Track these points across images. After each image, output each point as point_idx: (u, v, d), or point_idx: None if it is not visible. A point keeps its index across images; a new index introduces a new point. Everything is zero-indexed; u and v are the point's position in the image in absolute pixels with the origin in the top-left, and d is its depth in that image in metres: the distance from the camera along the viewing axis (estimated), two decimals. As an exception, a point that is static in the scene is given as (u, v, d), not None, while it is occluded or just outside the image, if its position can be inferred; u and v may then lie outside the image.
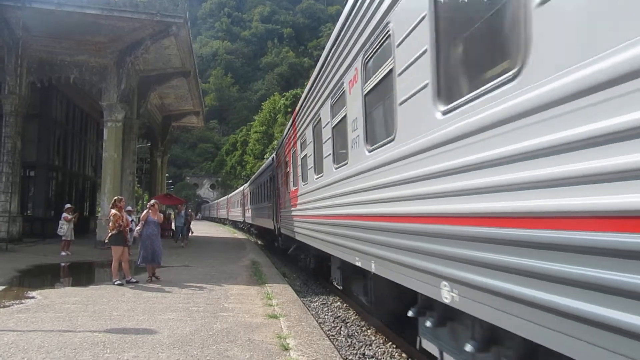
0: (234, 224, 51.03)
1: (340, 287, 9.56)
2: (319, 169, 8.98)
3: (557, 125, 2.29)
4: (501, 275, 2.79)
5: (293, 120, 12.64)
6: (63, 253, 16.61)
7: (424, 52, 3.88)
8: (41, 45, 19.85)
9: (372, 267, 5.57)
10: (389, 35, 4.81)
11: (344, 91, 6.80)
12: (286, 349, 5.69)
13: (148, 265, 11.31)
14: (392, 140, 4.75)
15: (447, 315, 4.21)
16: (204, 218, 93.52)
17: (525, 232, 2.56)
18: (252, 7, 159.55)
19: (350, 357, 6.81)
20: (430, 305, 4.55)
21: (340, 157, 7.27)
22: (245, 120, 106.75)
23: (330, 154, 7.91)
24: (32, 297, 9.05)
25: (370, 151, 5.55)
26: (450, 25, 3.69)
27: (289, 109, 59.41)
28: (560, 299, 2.30)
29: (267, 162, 23.81)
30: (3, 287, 10.15)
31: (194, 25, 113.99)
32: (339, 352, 5.99)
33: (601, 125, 2.05)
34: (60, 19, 17.84)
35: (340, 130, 7.28)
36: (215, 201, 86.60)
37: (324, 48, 8.45)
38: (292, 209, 13.03)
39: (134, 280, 10.87)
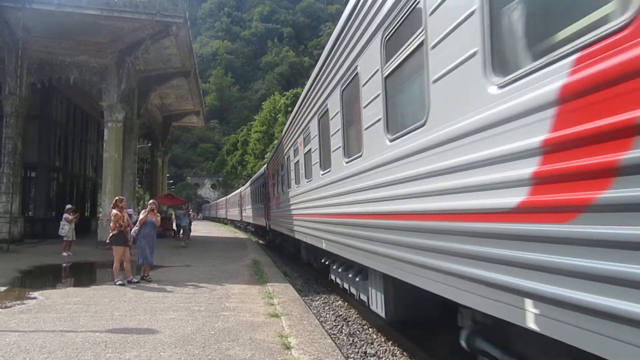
0: (234, 224, 52.45)
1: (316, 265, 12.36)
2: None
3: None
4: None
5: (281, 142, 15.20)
6: (64, 254, 16.62)
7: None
8: (41, 45, 19.87)
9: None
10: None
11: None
12: (288, 347, 5.69)
13: (142, 265, 11.37)
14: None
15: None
16: (205, 218, 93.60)
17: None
18: (252, 6, 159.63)
19: (351, 356, 6.81)
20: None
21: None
22: (246, 120, 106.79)
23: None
24: (34, 298, 9.06)
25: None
26: None
27: (290, 109, 59.40)
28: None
29: (260, 171, 28.14)
30: (5, 288, 10.17)
31: (194, 25, 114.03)
32: (340, 350, 5.99)
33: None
34: (60, 19, 17.85)
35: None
36: (215, 201, 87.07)
37: (324, 47, 8.43)
38: (277, 210, 17.28)
39: (136, 280, 10.88)
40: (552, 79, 2.50)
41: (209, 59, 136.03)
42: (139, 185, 45.13)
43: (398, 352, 6.95)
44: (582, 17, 2.46)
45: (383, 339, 7.62)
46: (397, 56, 4.74)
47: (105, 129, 20.99)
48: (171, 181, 78.00)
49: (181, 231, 22.41)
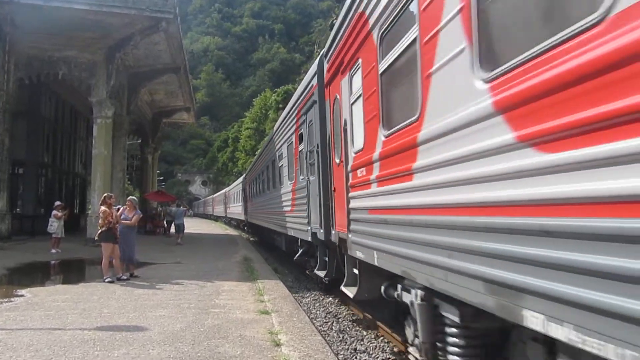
0: (223, 220, 54.98)
1: (284, 249, 16.24)
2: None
3: None
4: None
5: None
6: (53, 251, 16.50)
7: None
8: (29, 41, 19.62)
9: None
10: None
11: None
12: (277, 344, 5.68)
13: (124, 264, 11.25)
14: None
15: None
16: (195, 215, 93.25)
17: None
18: (243, 2, 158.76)
19: (342, 353, 6.82)
20: None
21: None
22: (237, 117, 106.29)
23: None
24: (22, 295, 8.98)
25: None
26: None
27: (280, 105, 59.27)
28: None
29: (240, 179, 35.71)
30: (-8, 286, 10.07)
31: (184, 21, 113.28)
32: (330, 347, 6.00)
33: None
34: (49, 14, 17.63)
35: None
36: (205, 199, 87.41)
37: (315, 44, 8.43)
38: (252, 208, 25.61)
39: (125, 277, 10.82)
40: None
41: (199, 55, 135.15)
42: (129, 182, 44.93)
43: (388, 348, 6.97)
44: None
45: (373, 336, 7.64)
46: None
47: (94, 125, 20.82)
48: (161, 178, 77.48)
49: (176, 229, 22.18)
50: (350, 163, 6.63)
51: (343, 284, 7.65)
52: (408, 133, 4.39)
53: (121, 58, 20.85)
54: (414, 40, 4.21)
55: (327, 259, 9.38)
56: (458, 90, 3.44)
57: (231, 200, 41.15)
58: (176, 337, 5.98)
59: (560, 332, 2.38)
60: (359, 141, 6.21)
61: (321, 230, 8.81)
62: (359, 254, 6.37)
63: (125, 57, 21.35)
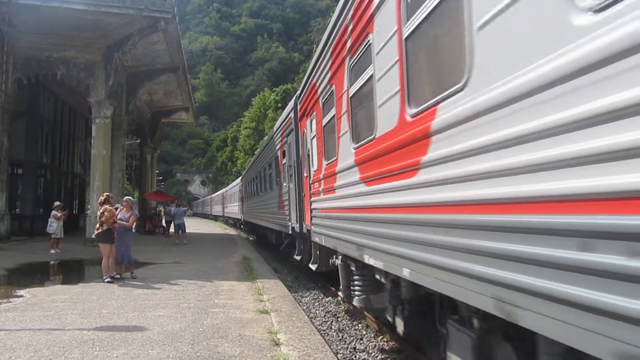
0: (222, 220, 56.09)
1: (273, 241, 19.22)
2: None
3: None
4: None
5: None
6: (52, 251, 16.49)
7: None
8: (27, 41, 19.58)
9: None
10: None
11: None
12: (277, 344, 5.68)
13: (117, 264, 11.23)
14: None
15: None
16: (194, 214, 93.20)
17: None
18: (241, 2, 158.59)
19: (341, 352, 6.83)
20: None
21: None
22: (236, 116, 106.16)
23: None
24: (21, 296, 8.98)
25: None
26: None
27: (279, 105, 59.26)
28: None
29: (237, 181, 38.18)
30: (-9, 286, 10.06)
31: (183, 20, 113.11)
32: (329, 346, 6.00)
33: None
34: (47, 14, 17.59)
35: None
36: (204, 198, 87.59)
37: (313, 43, 8.74)
38: (246, 207, 28.86)
39: (118, 276, 10.80)
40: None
41: (198, 55, 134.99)
42: (128, 182, 44.91)
43: (387, 347, 6.98)
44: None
45: (372, 335, 7.65)
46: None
47: (93, 126, 20.77)
48: (161, 178, 77.40)
49: (179, 230, 22.10)
50: (311, 178, 9.31)
51: (310, 262, 10.34)
52: (333, 165, 6.96)
53: (120, 58, 20.81)
54: (333, 116, 6.85)
55: (302, 246, 11.99)
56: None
57: (228, 200, 44.71)
58: (175, 337, 5.98)
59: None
60: (315, 164, 8.94)
61: (297, 225, 11.40)
62: (316, 239, 8.95)
63: (123, 57, 21.31)
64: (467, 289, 3.08)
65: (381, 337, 7.45)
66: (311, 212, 9.24)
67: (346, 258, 6.99)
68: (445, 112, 3.33)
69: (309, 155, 9.66)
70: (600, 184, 1.97)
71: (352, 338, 7.53)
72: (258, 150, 24.53)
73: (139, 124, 32.11)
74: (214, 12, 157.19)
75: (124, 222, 11.13)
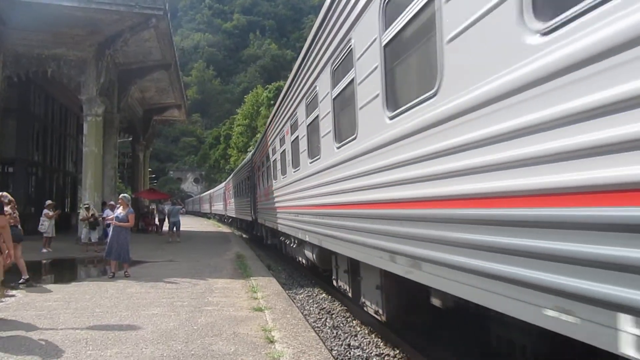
0: (216, 218, 57.56)
1: (244, 227, 30.08)
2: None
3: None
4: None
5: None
6: (44, 250, 16.37)
7: None
8: (17, 38, 19.39)
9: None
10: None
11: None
12: (271, 341, 5.68)
13: (112, 262, 11.25)
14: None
15: None
16: (187, 212, 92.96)
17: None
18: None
19: (335, 349, 6.83)
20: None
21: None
22: (228, 113, 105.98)
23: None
24: (12, 296, 8.91)
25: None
26: None
27: (272, 102, 59.16)
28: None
29: (222, 184, 46.85)
30: (-18, 286, 9.96)
31: (175, 17, 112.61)
32: (324, 343, 6.00)
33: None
34: (37, 11, 17.42)
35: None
36: (199, 196, 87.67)
37: (306, 40, 8.48)
38: (229, 205, 36.82)
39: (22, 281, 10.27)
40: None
41: (190, 52, 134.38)
42: (120, 180, 44.63)
43: (382, 343, 6.99)
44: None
45: (367, 331, 7.65)
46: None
47: (84, 123, 20.63)
48: (153, 175, 77.03)
49: (174, 227, 22.06)
50: (258, 193, 18.25)
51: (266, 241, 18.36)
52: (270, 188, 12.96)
53: (111, 55, 20.66)
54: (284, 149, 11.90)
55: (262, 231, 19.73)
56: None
57: (215, 200, 54.71)
58: (169, 336, 5.96)
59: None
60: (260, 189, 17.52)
61: (254, 215, 19.94)
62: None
63: (115, 54, 21.16)
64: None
65: (375, 333, 7.46)
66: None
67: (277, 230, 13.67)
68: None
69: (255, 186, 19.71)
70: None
71: (346, 335, 7.53)
72: (239, 165, 32.77)
73: (131, 122, 31.94)
74: (205, 8, 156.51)
75: (123, 222, 11.13)
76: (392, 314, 5.70)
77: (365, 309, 6.50)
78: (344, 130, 6.24)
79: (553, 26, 2.38)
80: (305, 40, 8.61)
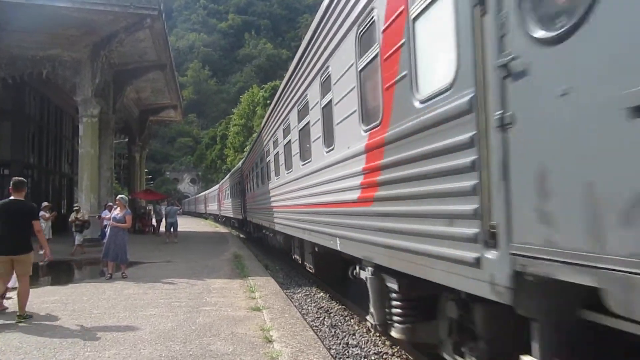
0: (212, 218, 58.49)
1: (236, 225, 33.75)
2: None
3: None
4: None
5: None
6: (40, 252, 16.27)
7: None
8: (12, 39, 19.29)
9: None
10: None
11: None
12: (269, 341, 5.68)
13: (109, 263, 11.25)
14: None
15: None
16: (184, 212, 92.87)
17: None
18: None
19: (334, 347, 6.83)
20: None
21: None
22: (224, 113, 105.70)
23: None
24: (9, 298, 8.87)
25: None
26: None
27: (268, 101, 59.09)
28: None
29: (216, 187, 50.41)
30: (-21, 288, 9.92)
31: (170, 18, 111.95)
32: (322, 342, 6.01)
33: None
34: (31, 12, 17.36)
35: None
36: (195, 196, 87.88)
37: (302, 39, 8.51)
38: (223, 206, 40.03)
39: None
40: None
41: (185, 52, 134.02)
42: (117, 181, 44.54)
43: (380, 342, 6.99)
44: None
45: (365, 330, 7.66)
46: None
47: (80, 125, 20.57)
48: (150, 176, 76.88)
49: (171, 228, 22.04)
50: (247, 196, 20.66)
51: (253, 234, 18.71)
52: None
53: (106, 56, 20.60)
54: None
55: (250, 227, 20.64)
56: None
57: (209, 201, 59.03)
58: (167, 336, 5.95)
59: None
60: (249, 193, 21.05)
61: (244, 214, 20.86)
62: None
63: (110, 55, 21.11)
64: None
65: (373, 332, 7.47)
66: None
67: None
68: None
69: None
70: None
71: (344, 333, 7.54)
72: (228, 174, 36.15)
73: (126, 123, 31.87)
74: (200, 8, 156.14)
75: (121, 223, 11.14)
76: (318, 268, 9.66)
77: (305, 267, 10.78)
78: (288, 164, 10.92)
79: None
80: (301, 39, 8.76)
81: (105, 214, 14.69)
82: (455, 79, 3.28)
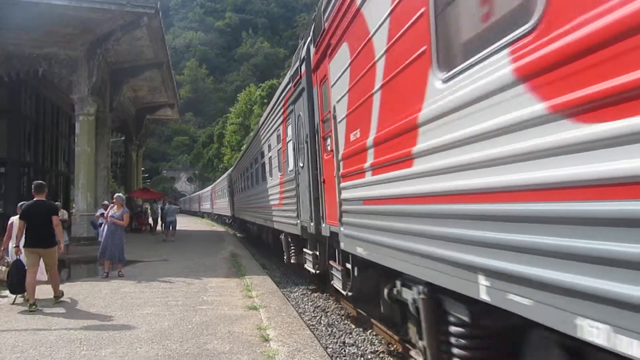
0: (210, 217, 58.62)
1: (226, 221, 37.60)
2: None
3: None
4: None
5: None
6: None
7: None
8: (8, 37, 19.20)
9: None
10: None
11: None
12: (266, 340, 5.68)
13: (106, 262, 11.25)
14: None
15: None
16: (181, 211, 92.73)
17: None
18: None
19: (330, 346, 6.84)
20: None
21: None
22: (221, 112, 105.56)
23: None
24: (5, 296, 8.86)
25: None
26: None
27: (265, 100, 59.06)
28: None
29: (208, 188, 56.99)
30: (-25, 287, 9.90)
31: (167, 16, 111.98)
32: (319, 341, 6.01)
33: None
34: (27, 10, 17.29)
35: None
36: (190, 195, 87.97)
37: (299, 38, 8.51)
38: (215, 205, 46.35)
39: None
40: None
41: (182, 51, 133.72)
42: (114, 180, 44.43)
43: (376, 340, 7.00)
44: None
45: (361, 329, 7.67)
46: None
47: (76, 123, 20.49)
48: (147, 175, 76.82)
49: (170, 227, 22.06)
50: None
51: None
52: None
53: (103, 54, 20.52)
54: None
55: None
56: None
57: (203, 200, 63.78)
58: (164, 335, 5.95)
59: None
60: (236, 195, 26.98)
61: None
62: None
63: (107, 53, 21.02)
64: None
65: (370, 330, 7.48)
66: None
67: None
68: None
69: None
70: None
71: (341, 332, 7.54)
72: (219, 179, 41.78)
73: (123, 121, 31.77)
74: (197, 7, 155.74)
75: (120, 221, 11.16)
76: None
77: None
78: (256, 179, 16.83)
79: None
80: (298, 38, 8.76)
81: (101, 212, 14.66)
82: None
